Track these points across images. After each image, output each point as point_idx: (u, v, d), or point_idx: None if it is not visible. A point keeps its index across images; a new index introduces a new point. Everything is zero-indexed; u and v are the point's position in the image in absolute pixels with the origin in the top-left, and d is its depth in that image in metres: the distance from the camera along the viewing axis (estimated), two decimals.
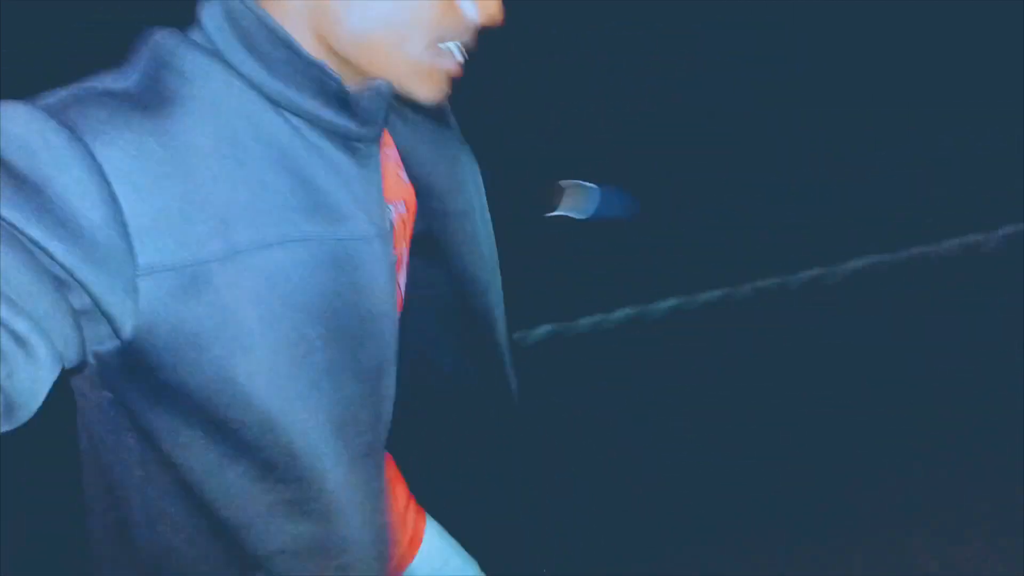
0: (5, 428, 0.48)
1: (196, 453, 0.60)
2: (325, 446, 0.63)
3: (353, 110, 0.61)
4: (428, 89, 0.63)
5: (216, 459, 0.60)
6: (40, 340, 0.48)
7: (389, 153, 0.74)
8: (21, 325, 0.47)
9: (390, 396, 0.69)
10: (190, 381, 0.57)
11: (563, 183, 1.23)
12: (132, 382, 0.58)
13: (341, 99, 0.61)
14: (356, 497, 0.67)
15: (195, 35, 0.60)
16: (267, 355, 0.58)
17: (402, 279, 0.77)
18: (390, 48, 0.60)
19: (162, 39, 0.59)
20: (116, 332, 0.54)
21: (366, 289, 0.63)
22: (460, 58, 0.64)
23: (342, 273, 0.61)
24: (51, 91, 0.54)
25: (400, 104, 0.72)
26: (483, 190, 0.83)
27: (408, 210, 0.76)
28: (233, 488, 0.62)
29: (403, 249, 0.76)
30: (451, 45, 0.63)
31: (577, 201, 1.22)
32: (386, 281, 0.65)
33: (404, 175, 0.76)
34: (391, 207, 0.71)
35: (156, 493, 0.62)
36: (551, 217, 1.22)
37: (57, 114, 0.51)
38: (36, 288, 0.48)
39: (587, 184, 1.23)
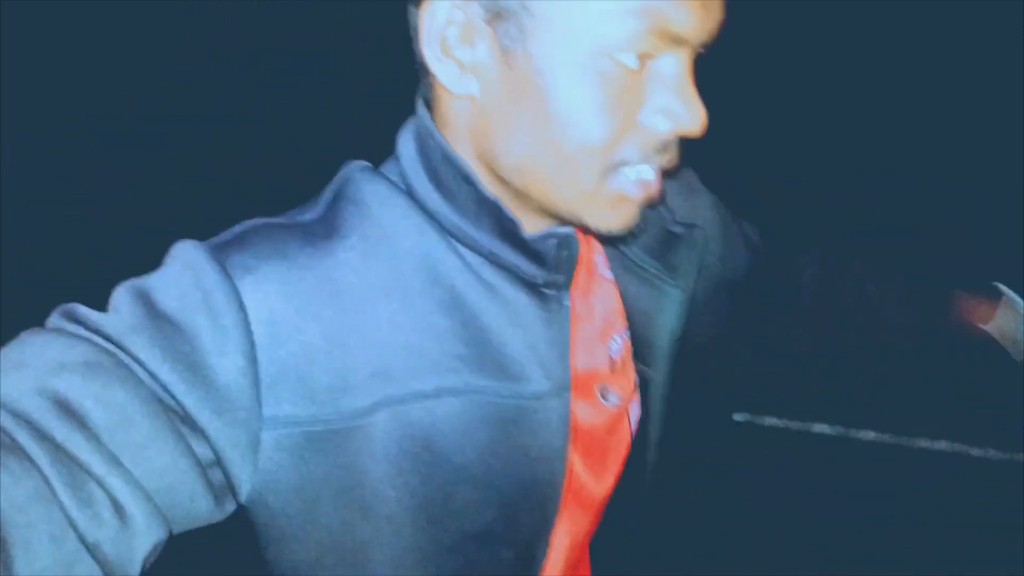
0: None
1: None
2: None
3: (535, 252, 0.55)
4: (609, 221, 0.54)
5: None
6: (137, 504, 0.44)
7: (608, 280, 0.65)
8: (118, 486, 0.43)
9: (540, 562, 0.61)
10: (297, 552, 0.53)
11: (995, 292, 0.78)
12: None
13: (520, 238, 0.55)
14: None
15: (389, 166, 0.57)
16: (402, 517, 0.53)
17: (634, 414, 0.67)
18: (559, 178, 0.51)
19: (350, 170, 0.56)
20: (233, 493, 0.50)
21: (533, 452, 0.56)
22: (653, 180, 0.53)
23: (507, 434, 0.55)
24: (234, 228, 0.53)
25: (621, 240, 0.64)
26: (679, 327, 0.69)
27: (627, 339, 0.66)
28: None
29: (628, 378, 0.66)
30: (641, 168, 0.52)
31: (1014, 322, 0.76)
32: (559, 445, 0.57)
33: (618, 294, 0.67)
34: (612, 341, 0.64)
35: None
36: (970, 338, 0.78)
37: (219, 252, 0.49)
38: (154, 439, 0.45)
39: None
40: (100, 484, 0.43)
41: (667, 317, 0.66)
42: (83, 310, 0.48)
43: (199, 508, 0.48)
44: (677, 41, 0.49)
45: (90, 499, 0.42)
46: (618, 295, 0.66)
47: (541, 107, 0.49)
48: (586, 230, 0.55)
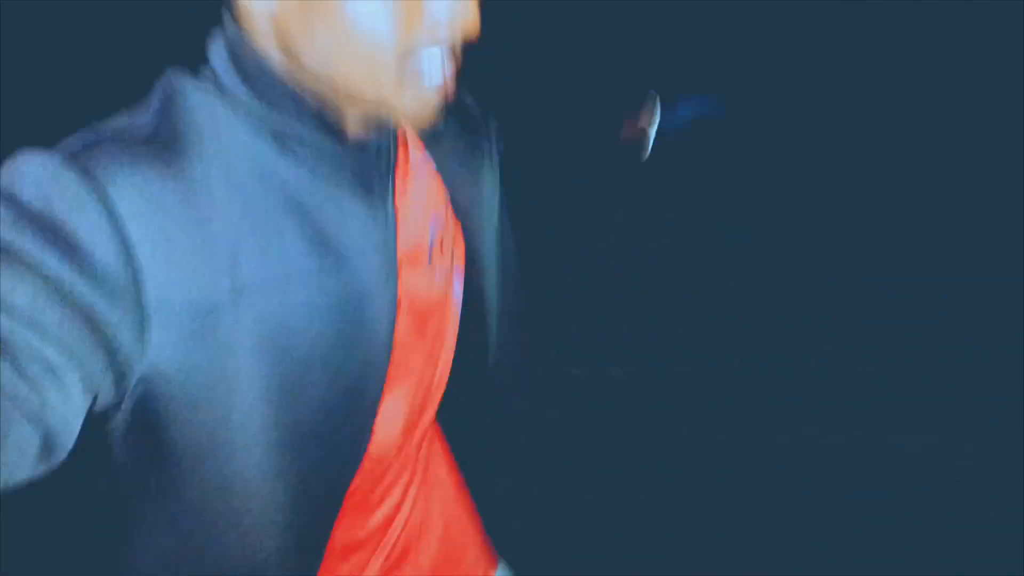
0: (43, 468, 0.48)
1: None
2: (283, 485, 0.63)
3: (358, 144, 0.61)
4: (414, 107, 0.59)
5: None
6: (72, 369, 0.49)
7: (424, 161, 0.72)
8: (51, 353, 0.48)
9: (366, 440, 0.67)
10: (186, 436, 0.57)
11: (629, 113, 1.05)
12: (128, 444, 0.59)
13: (342, 133, 0.60)
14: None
15: (205, 74, 0.60)
16: (263, 398, 0.58)
17: (457, 289, 0.75)
18: (361, 71, 0.57)
19: (173, 80, 0.59)
20: (122, 381, 0.54)
21: (373, 327, 0.63)
22: (445, 64, 0.59)
23: (345, 316, 0.61)
24: (70, 136, 0.55)
25: (431, 131, 0.71)
26: (497, 202, 0.79)
27: (451, 219, 0.74)
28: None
29: (453, 261, 0.74)
30: (432, 52, 0.58)
31: (651, 116, 1.04)
32: (388, 319, 0.64)
33: (442, 183, 0.74)
34: (431, 224, 0.70)
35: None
36: (629, 147, 1.11)
37: (72, 159, 0.52)
38: (64, 319, 0.49)
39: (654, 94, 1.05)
40: (35, 355, 0.47)
41: (485, 196, 0.76)
42: None
43: (105, 385, 0.52)
44: None
45: (22, 367, 0.46)
46: (440, 183, 0.72)
47: (335, 7, 0.54)
48: (401, 120, 0.61)
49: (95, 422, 0.56)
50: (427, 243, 0.69)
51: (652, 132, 1.10)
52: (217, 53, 0.60)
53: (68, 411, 0.49)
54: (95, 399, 0.52)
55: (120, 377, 0.53)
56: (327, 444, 0.63)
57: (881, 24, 3.66)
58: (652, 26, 3.06)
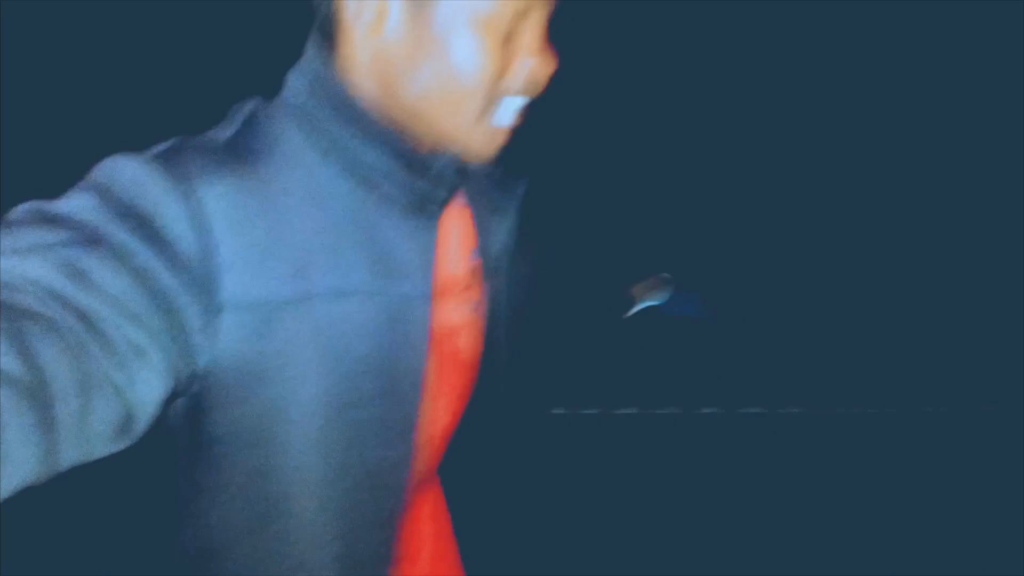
0: (119, 445, 0.51)
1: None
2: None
3: (424, 172, 0.65)
4: (484, 147, 0.66)
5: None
6: (157, 351, 0.52)
7: (462, 199, 0.76)
8: (140, 336, 0.51)
9: (413, 453, 0.70)
10: (240, 423, 0.61)
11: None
12: (185, 427, 0.62)
13: (412, 160, 0.65)
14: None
15: (285, 97, 0.65)
16: (318, 402, 0.62)
17: (479, 322, 0.79)
18: (451, 110, 0.63)
19: (253, 103, 0.65)
20: (191, 367, 0.57)
21: (413, 348, 0.67)
22: (517, 111, 0.66)
23: (393, 328, 0.65)
24: (157, 145, 0.60)
25: (475, 173, 0.76)
26: (510, 250, 0.84)
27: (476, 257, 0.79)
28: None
29: (480, 294, 0.78)
30: (516, 100, 0.65)
31: (655, 291, 1.21)
32: (424, 343, 0.68)
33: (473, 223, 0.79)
34: (466, 259, 0.75)
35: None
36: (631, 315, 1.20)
37: (162, 160, 0.57)
38: (150, 307, 0.52)
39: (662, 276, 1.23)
40: (122, 334, 0.50)
41: (504, 240, 0.81)
42: (49, 205, 0.54)
43: (181, 369, 0.55)
44: (541, 3, 0.64)
45: (114, 347, 0.49)
46: (471, 219, 0.77)
47: (441, 55, 0.61)
48: (463, 155, 0.67)
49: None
50: (461, 277, 0.74)
51: (643, 305, 1.22)
52: (298, 80, 0.65)
53: (150, 392, 0.52)
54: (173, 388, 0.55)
55: (190, 362, 0.57)
56: (376, 458, 0.67)
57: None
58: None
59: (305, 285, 0.60)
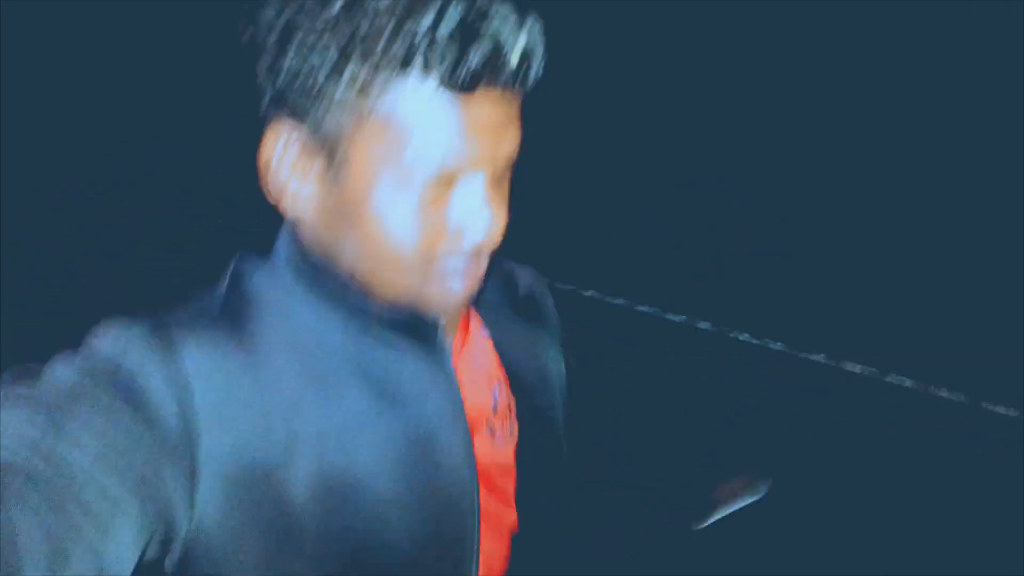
0: None
1: None
2: None
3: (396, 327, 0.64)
4: (442, 304, 0.63)
5: None
6: (131, 510, 0.51)
7: (483, 333, 0.75)
8: (118, 494, 0.50)
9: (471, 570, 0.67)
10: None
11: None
12: None
13: (391, 305, 0.63)
14: None
15: (273, 260, 0.65)
16: (325, 554, 0.59)
17: (511, 453, 0.75)
18: (390, 277, 0.61)
19: (240, 262, 0.65)
20: (171, 533, 0.55)
21: (444, 477, 0.63)
22: (471, 270, 0.63)
23: (415, 456, 0.62)
24: (148, 307, 0.60)
25: (489, 300, 0.75)
26: (563, 385, 0.81)
27: (508, 391, 0.75)
28: None
29: (510, 425, 0.74)
30: (457, 262, 0.61)
31: (745, 491, 1.16)
32: (465, 457, 0.65)
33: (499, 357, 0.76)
34: (493, 391, 0.72)
35: None
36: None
37: (147, 323, 0.57)
38: (129, 467, 0.51)
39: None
40: (100, 490, 0.49)
41: (539, 361, 0.78)
42: (38, 365, 0.54)
43: (157, 534, 0.54)
44: (474, 166, 0.59)
45: (90, 505, 0.48)
46: (494, 349, 0.74)
47: (362, 221, 0.59)
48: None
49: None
50: (489, 410, 0.71)
51: (732, 508, 1.16)
52: (283, 237, 0.65)
53: (123, 552, 0.50)
54: (146, 548, 0.54)
55: (169, 528, 0.55)
56: None
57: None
58: None
59: (293, 435, 0.58)
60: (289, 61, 0.56)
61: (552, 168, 3.14)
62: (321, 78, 0.55)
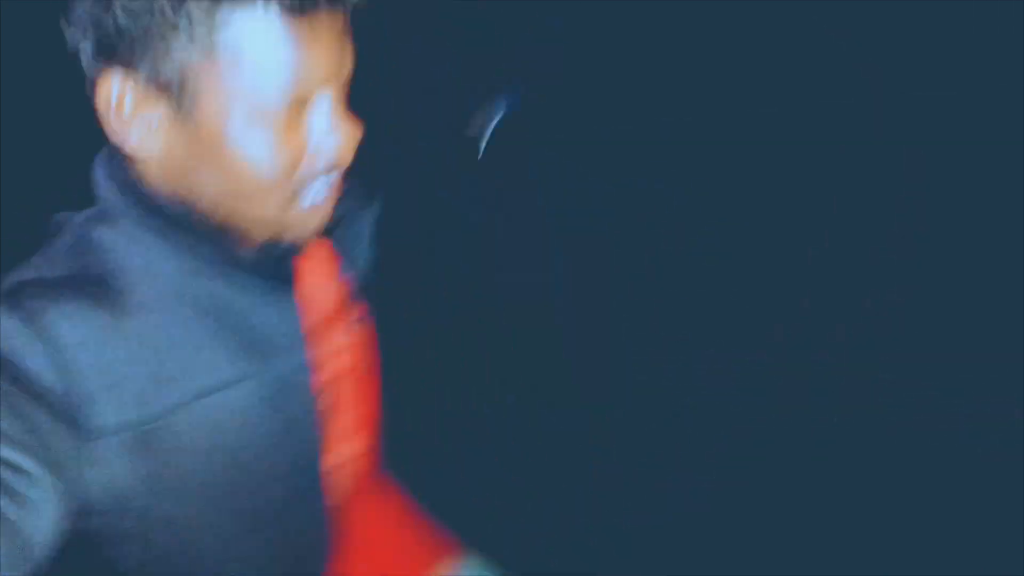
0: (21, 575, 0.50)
1: None
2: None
3: (250, 265, 0.65)
4: (301, 233, 0.65)
5: None
6: (44, 472, 0.52)
7: (321, 245, 0.77)
8: (20, 460, 0.51)
9: (320, 520, 0.74)
10: (147, 554, 0.63)
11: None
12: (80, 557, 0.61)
13: (243, 244, 0.64)
14: None
15: (103, 209, 0.64)
16: (215, 503, 0.64)
17: (365, 352, 0.81)
18: (249, 210, 0.62)
19: (70, 221, 0.64)
20: (70, 497, 0.56)
21: (300, 421, 0.69)
22: (327, 197, 0.65)
23: (275, 405, 0.66)
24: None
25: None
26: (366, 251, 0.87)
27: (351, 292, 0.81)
28: None
29: (361, 309, 0.80)
30: (316, 187, 0.63)
31: (489, 114, 1.33)
32: (311, 410, 0.70)
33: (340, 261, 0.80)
34: (331, 300, 0.76)
35: None
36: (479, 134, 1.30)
37: (8, 305, 0.57)
38: (23, 433, 0.53)
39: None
40: (6, 462, 0.50)
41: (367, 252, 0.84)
42: None
43: (69, 494, 0.55)
44: (321, 84, 0.60)
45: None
46: (337, 261, 0.78)
47: (220, 156, 0.59)
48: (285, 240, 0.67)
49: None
50: (334, 302, 0.75)
51: (490, 128, 1.31)
52: (107, 185, 0.64)
53: (43, 521, 0.52)
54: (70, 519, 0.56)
55: (76, 490, 0.56)
56: (289, 528, 0.70)
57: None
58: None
59: (172, 397, 0.61)
60: (116, 9, 0.56)
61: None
62: (156, 21, 0.55)
